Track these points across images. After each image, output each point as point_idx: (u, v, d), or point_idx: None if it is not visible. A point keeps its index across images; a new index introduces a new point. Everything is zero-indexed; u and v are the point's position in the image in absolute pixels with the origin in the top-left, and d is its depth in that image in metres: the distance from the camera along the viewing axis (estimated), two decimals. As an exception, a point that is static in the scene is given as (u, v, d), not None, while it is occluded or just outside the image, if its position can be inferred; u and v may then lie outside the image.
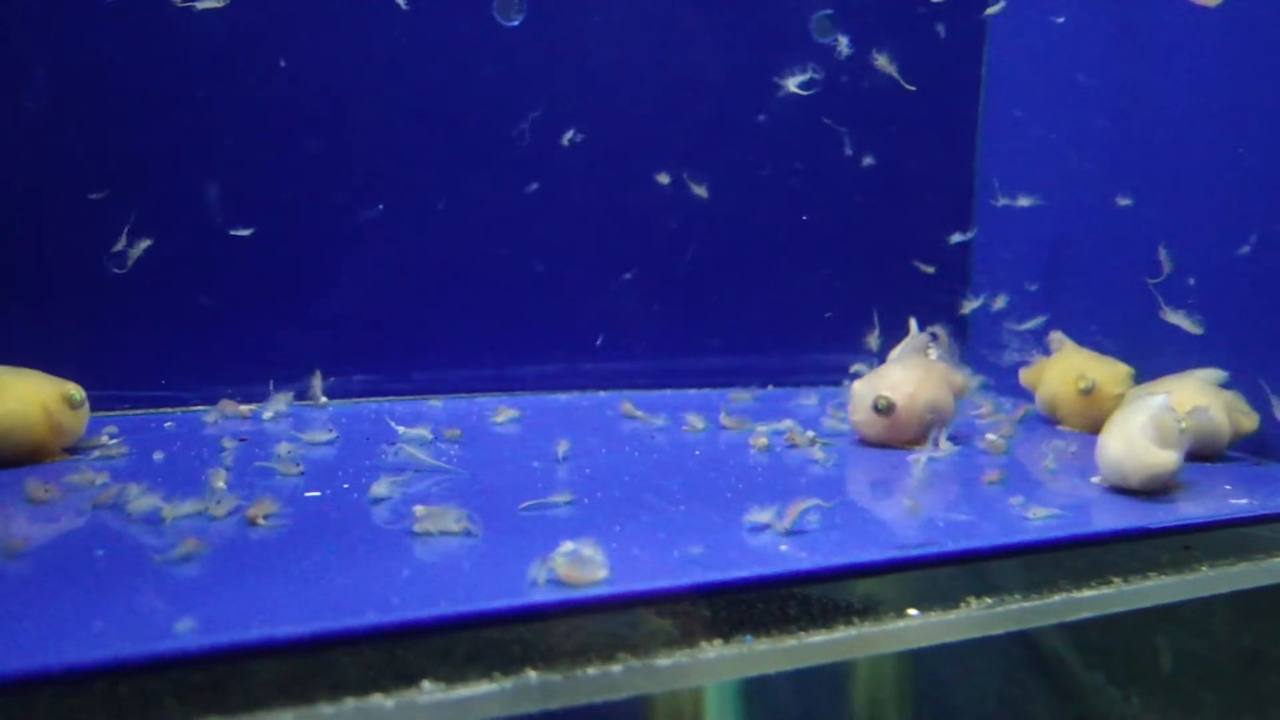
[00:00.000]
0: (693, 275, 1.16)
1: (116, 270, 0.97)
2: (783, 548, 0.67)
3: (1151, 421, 0.83)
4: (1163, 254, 1.00)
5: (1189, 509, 0.80)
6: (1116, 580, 0.74)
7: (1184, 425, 0.85)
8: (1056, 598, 0.71)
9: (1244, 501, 0.83)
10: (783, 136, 1.17)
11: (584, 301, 1.13)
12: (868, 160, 1.15)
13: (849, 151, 1.14)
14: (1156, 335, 1.01)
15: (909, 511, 0.76)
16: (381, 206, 1.06)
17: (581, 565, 0.61)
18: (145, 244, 0.97)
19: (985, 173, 1.24)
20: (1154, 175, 1.05)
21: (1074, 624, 1.41)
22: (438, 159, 1.08)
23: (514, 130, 1.08)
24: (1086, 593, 0.72)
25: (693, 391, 1.16)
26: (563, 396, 1.12)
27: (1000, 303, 1.09)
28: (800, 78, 1.03)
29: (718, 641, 0.61)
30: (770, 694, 1.55)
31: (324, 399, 1.04)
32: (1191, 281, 1.00)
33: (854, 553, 0.67)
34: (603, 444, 0.91)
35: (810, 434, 0.95)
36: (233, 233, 1.01)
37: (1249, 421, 0.94)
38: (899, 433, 0.93)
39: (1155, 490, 0.82)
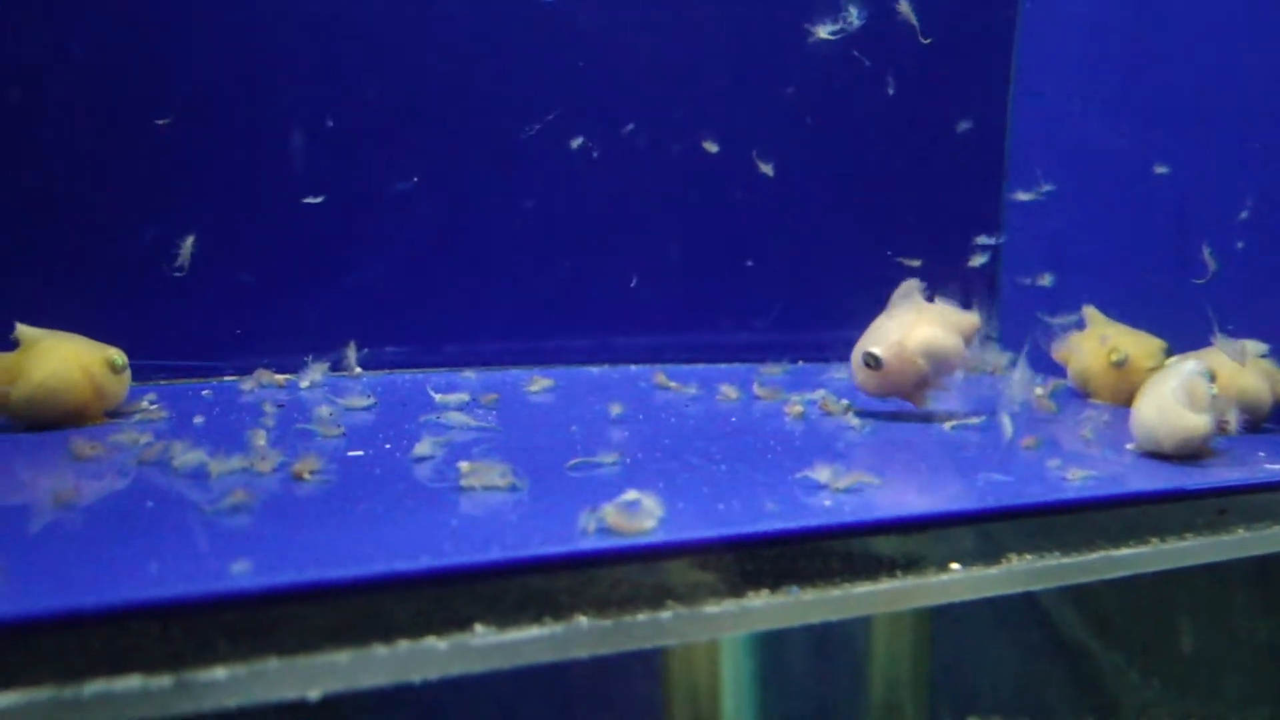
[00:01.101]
0: (724, 250, 1.17)
1: (176, 274, 0.98)
2: (826, 503, 0.68)
3: (1183, 386, 0.83)
4: (1206, 254, 1.00)
5: (1224, 473, 0.80)
6: (1154, 540, 0.74)
7: (1215, 391, 0.85)
8: (1095, 555, 0.71)
9: (1278, 467, 0.83)
10: (815, 112, 1.18)
11: (616, 275, 1.13)
12: (891, 90, 1.14)
13: (890, 91, 1.13)
14: (1189, 309, 1.01)
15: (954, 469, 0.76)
16: (416, 179, 1.07)
17: (631, 514, 0.61)
18: (190, 240, 0.98)
19: (1016, 149, 1.24)
20: (1185, 145, 1.05)
21: (1095, 609, 1.42)
22: (473, 131, 1.08)
23: (549, 103, 1.09)
24: (1124, 551, 0.72)
25: (724, 366, 1.16)
26: (594, 369, 1.12)
27: (1046, 279, 1.08)
28: (831, 27, 1.03)
29: (765, 591, 0.61)
30: (787, 678, 1.56)
31: (358, 370, 1.05)
32: (1240, 245, 1.00)
33: (894, 509, 0.68)
34: (639, 411, 0.92)
35: (845, 402, 0.95)
36: (305, 200, 1.02)
37: None
38: (900, 383, 0.92)
39: (1189, 455, 0.83)
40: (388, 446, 0.79)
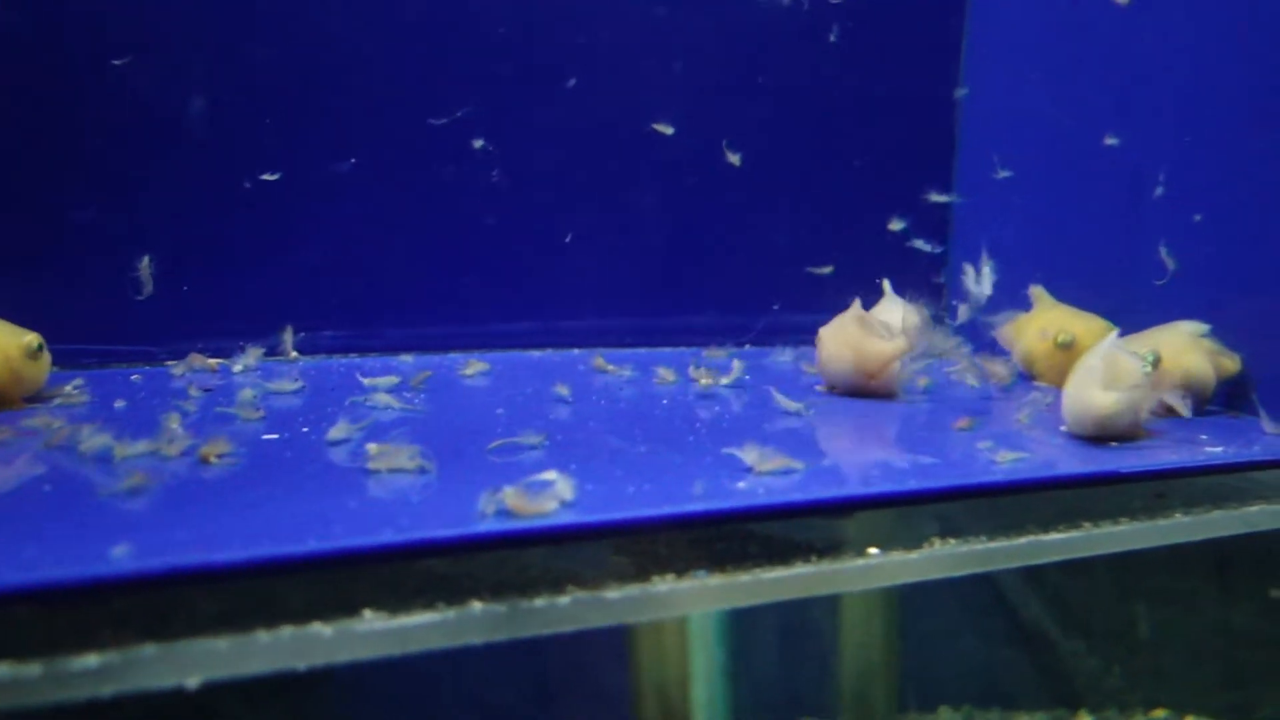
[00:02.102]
0: (670, 233, 1.15)
1: (137, 297, 0.97)
2: (741, 485, 0.66)
3: (1101, 362, 0.81)
4: (1164, 253, 0.98)
5: (1162, 456, 0.79)
6: (1086, 524, 0.73)
7: (1147, 368, 0.83)
8: (1022, 540, 0.69)
9: (1219, 449, 0.81)
10: (764, 94, 1.16)
11: (560, 258, 1.12)
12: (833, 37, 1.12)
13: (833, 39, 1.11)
14: (1136, 292, 1.00)
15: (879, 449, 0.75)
16: (354, 160, 1.05)
17: (534, 496, 0.60)
18: (147, 260, 0.97)
19: (967, 129, 1.22)
20: (1137, 122, 1.04)
21: (1055, 595, 1.41)
22: (413, 112, 1.06)
23: (490, 84, 1.07)
24: (1054, 536, 0.71)
25: (669, 350, 1.15)
26: (536, 353, 1.10)
27: (986, 270, 1.07)
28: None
29: (670, 576, 0.60)
30: (757, 668, 1.55)
31: (294, 354, 1.03)
32: (1197, 217, 0.98)
33: (815, 491, 0.66)
34: (572, 394, 0.90)
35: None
36: (262, 177, 1.01)
37: (1231, 363, 0.93)
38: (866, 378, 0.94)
39: (1117, 435, 0.81)
40: (305, 430, 0.77)
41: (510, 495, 0.59)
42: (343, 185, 1.05)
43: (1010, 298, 1.08)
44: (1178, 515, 0.75)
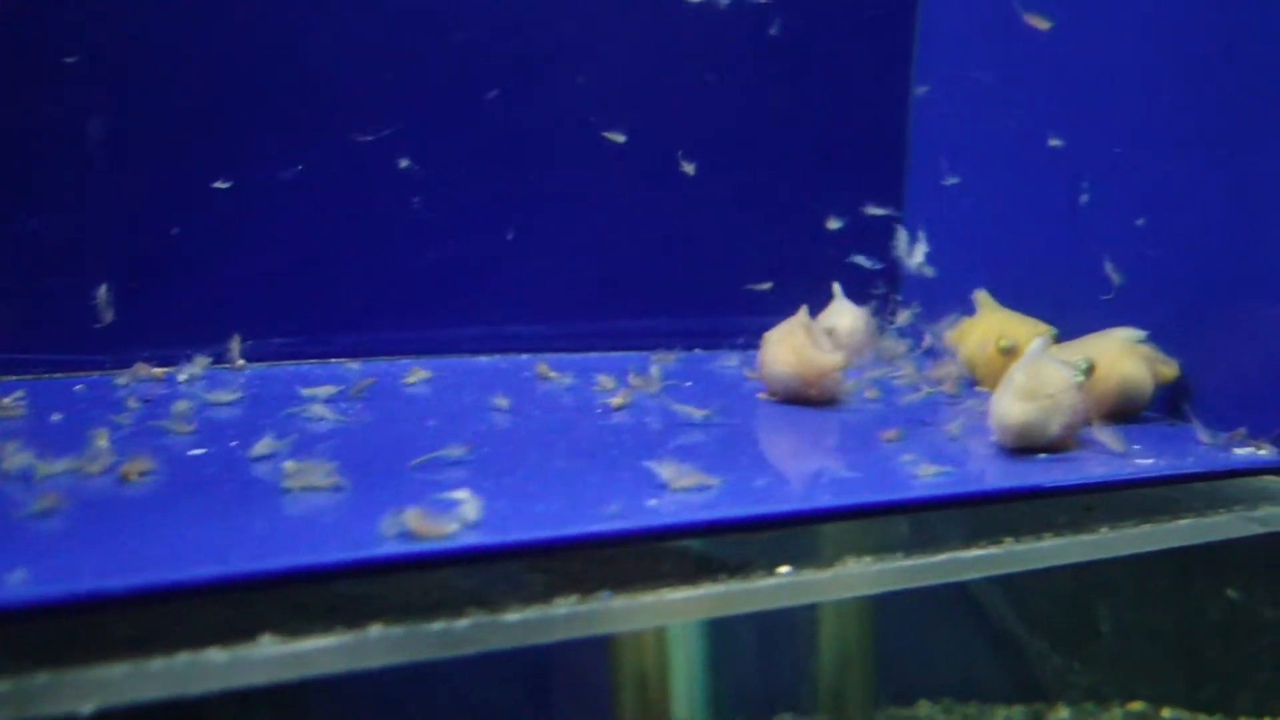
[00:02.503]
0: (619, 235, 1.15)
1: (96, 325, 0.98)
2: (653, 503, 0.66)
3: (1022, 373, 0.80)
4: (1109, 269, 0.98)
5: (1089, 468, 0.79)
6: (1008, 540, 0.73)
7: (1079, 377, 0.83)
8: (941, 557, 0.70)
9: (1150, 461, 0.81)
10: (708, 92, 1.16)
11: (508, 263, 1.12)
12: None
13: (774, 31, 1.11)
14: (1080, 296, 1.00)
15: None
16: (301, 167, 1.05)
17: (437, 517, 0.60)
18: (105, 288, 0.97)
19: (918, 132, 1.22)
20: (1081, 126, 1.04)
21: (1021, 595, 1.41)
22: (359, 117, 1.06)
23: (433, 84, 1.07)
24: (974, 552, 0.71)
25: (621, 353, 1.15)
26: (485, 359, 1.11)
27: (916, 262, 1.07)
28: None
29: (574, 598, 0.60)
30: (736, 664, 1.55)
31: (241, 362, 1.03)
32: (1140, 221, 0.98)
33: (727, 509, 0.66)
34: (509, 404, 0.90)
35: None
36: (214, 185, 1.01)
37: (1169, 370, 0.93)
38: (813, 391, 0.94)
39: (1040, 447, 0.81)
40: (233, 444, 0.77)
41: (412, 517, 0.59)
42: (290, 192, 1.05)
43: (961, 302, 1.08)
44: (1103, 530, 0.76)
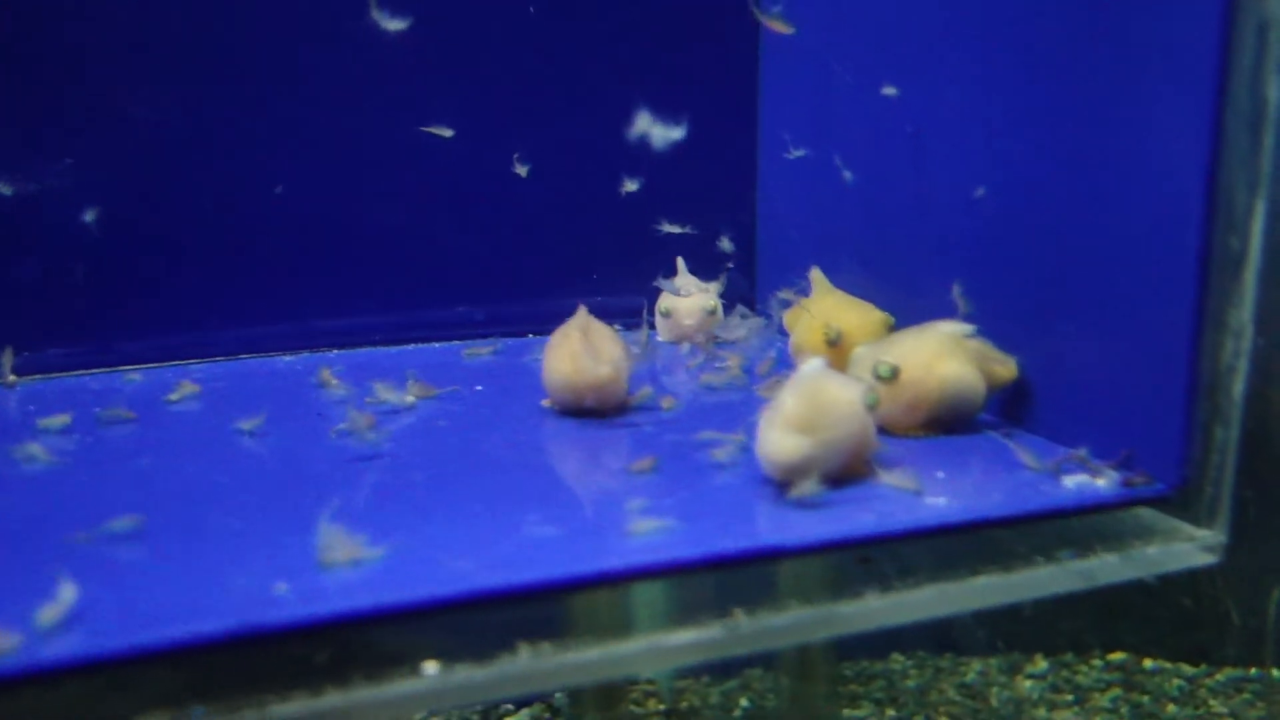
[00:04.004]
0: (429, 220, 1.04)
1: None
2: (281, 589, 0.57)
3: (795, 397, 0.67)
4: (956, 292, 0.83)
5: (858, 517, 0.65)
6: (713, 623, 0.60)
7: (871, 399, 0.71)
8: (633, 646, 0.59)
9: (941, 502, 0.69)
10: (524, 71, 1.04)
11: (306, 251, 1.02)
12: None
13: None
14: (918, 278, 0.87)
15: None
16: (70, 160, 0.95)
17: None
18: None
19: (766, 108, 1.08)
20: (920, 80, 0.89)
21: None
22: (129, 113, 0.96)
23: (224, 71, 0.96)
24: (681, 637, 0.60)
25: (437, 345, 1.05)
26: (285, 359, 1.01)
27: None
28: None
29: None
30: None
31: (13, 378, 0.95)
32: (980, 191, 0.84)
33: (370, 595, 0.57)
34: (257, 425, 0.82)
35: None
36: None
37: (1005, 369, 0.80)
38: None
39: (828, 481, 0.69)
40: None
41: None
42: (62, 194, 0.96)
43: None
44: (869, 598, 0.64)
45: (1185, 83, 0.68)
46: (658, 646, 0.59)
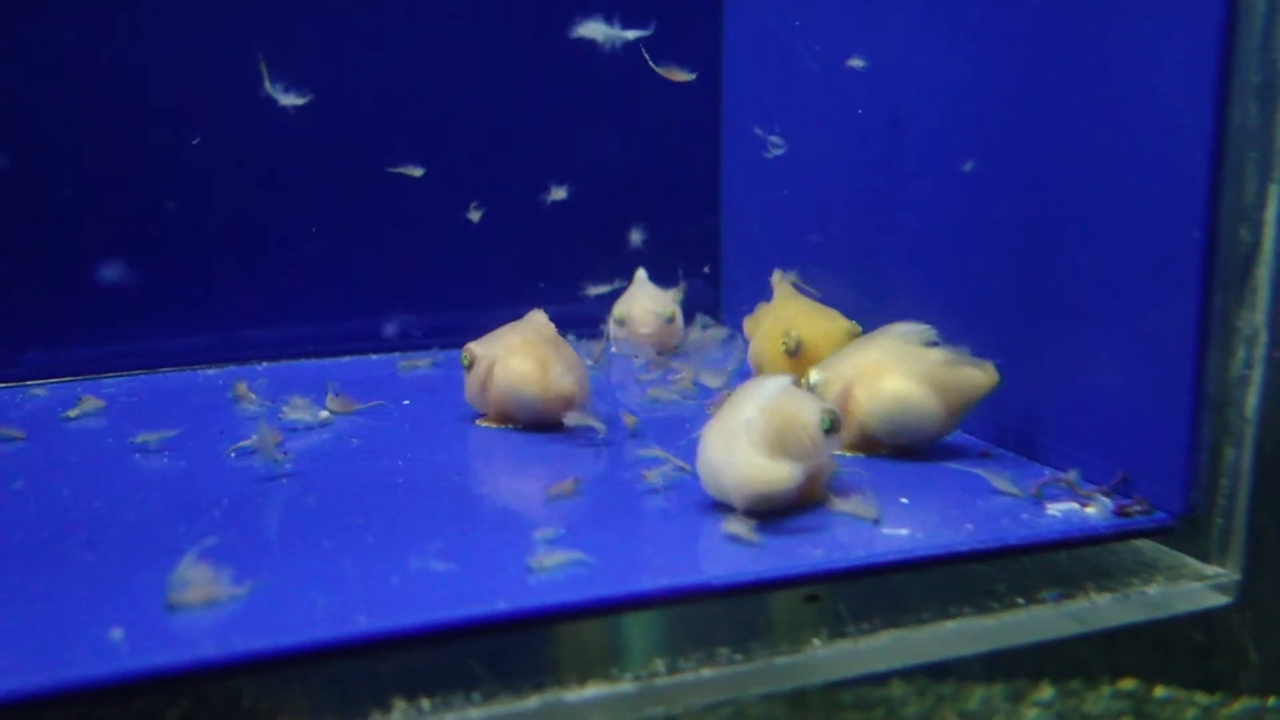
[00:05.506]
0: (368, 228, 0.97)
1: None
2: (116, 634, 0.48)
3: (763, 414, 0.59)
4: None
5: (806, 553, 0.56)
6: (623, 677, 0.52)
7: (827, 421, 0.61)
8: (533, 701, 0.51)
9: (903, 534, 0.59)
10: (475, 74, 0.97)
11: (240, 260, 0.94)
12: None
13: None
14: (886, 289, 0.78)
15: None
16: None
17: None
18: None
19: (729, 108, 1.01)
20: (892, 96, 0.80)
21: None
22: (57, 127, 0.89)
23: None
24: (585, 692, 0.51)
25: (374, 358, 0.97)
26: (208, 372, 0.93)
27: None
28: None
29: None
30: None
31: (-82, 395, 0.88)
32: (970, 165, 0.75)
33: (241, 641, 0.48)
34: (159, 443, 0.74)
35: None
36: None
37: (984, 375, 0.69)
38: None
39: (775, 510, 0.60)
40: None
41: None
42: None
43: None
44: (815, 643, 0.55)
45: (1185, 47, 0.59)
46: (554, 705, 0.50)
